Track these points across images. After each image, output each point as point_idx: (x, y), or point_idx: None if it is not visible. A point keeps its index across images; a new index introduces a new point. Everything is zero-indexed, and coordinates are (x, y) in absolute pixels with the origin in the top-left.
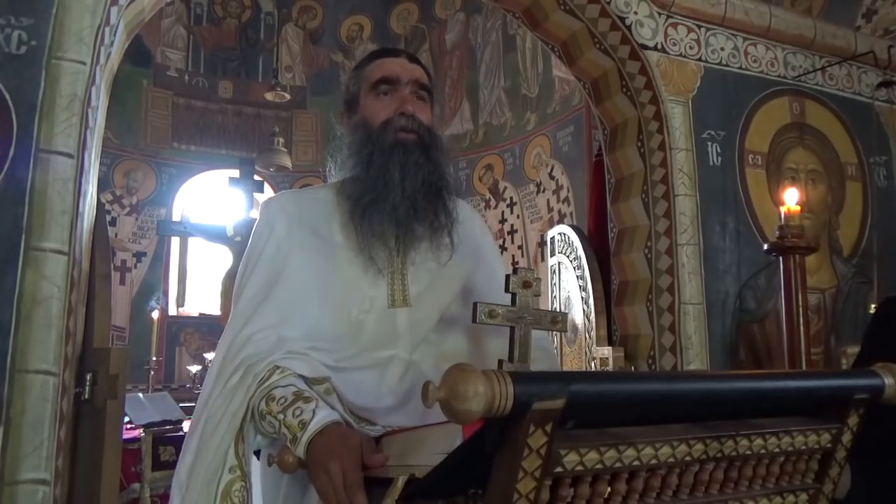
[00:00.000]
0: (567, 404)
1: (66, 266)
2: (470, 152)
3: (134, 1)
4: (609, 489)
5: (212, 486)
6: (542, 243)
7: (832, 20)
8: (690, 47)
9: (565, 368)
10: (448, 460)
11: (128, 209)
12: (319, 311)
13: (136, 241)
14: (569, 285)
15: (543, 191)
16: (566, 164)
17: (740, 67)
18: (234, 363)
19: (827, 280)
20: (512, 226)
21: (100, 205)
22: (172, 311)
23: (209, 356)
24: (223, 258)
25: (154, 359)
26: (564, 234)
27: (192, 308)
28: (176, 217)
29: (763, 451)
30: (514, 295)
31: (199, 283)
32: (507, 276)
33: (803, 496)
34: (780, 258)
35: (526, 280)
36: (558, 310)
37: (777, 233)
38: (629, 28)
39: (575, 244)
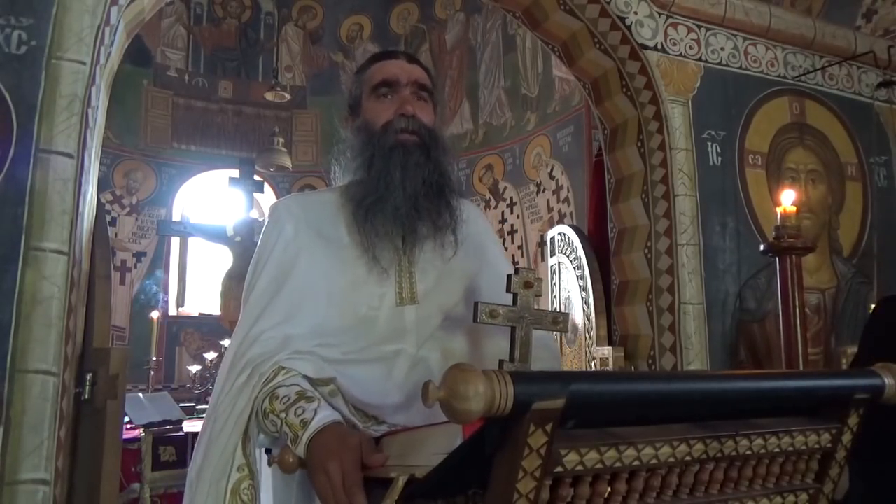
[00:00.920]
0: (567, 404)
1: (66, 266)
2: (470, 152)
3: (134, 1)
4: (609, 489)
5: (220, 484)
6: (542, 243)
7: (832, 20)
8: (690, 47)
9: (565, 368)
10: (448, 460)
11: (128, 209)
12: (327, 308)
13: (136, 241)
14: (569, 285)
15: (543, 191)
16: (566, 164)
17: (740, 67)
18: (241, 363)
19: (827, 280)
20: (512, 226)
21: (100, 205)
22: (172, 311)
23: (209, 356)
24: (223, 258)
25: (154, 359)
26: (564, 234)
27: (192, 308)
28: (176, 217)
29: (763, 451)
30: (515, 295)
31: (199, 283)
32: (509, 276)
33: (803, 496)
34: (777, 259)
35: (527, 280)
36: (558, 310)
37: (773, 233)
38: (629, 28)
39: (575, 244)
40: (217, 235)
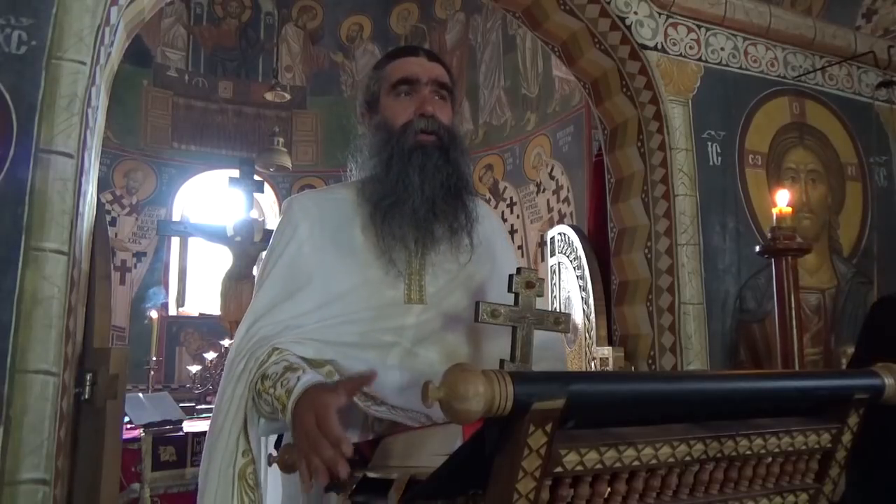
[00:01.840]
0: (567, 404)
1: (66, 266)
2: (470, 152)
3: (134, 1)
4: (609, 489)
5: (229, 471)
6: (542, 243)
7: (832, 20)
8: (690, 47)
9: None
10: (449, 462)
11: (128, 209)
12: (336, 304)
13: (136, 241)
14: (569, 285)
15: (543, 191)
16: (566, 164)
17: (740, 67)
18: (241, 354)
19: (827, 280)
20: (512, 226)
21: (100, 205)
22: (172, 311)
23: (209, 356)
24: (223, 258)
25: (154, 359)
26: (564, 234)
27: (192, 308)
28: (176, 217)
29: (763, 451)
30: (516, 295)
31: (199, 283)
32: (511, 276)
33: (803, 496)
34: (773, 260)
35: (529, 280)
36: (558, 310)
37: (769, 235)
38: (629, 28)
39: (575, 244)
40: (217, 235)
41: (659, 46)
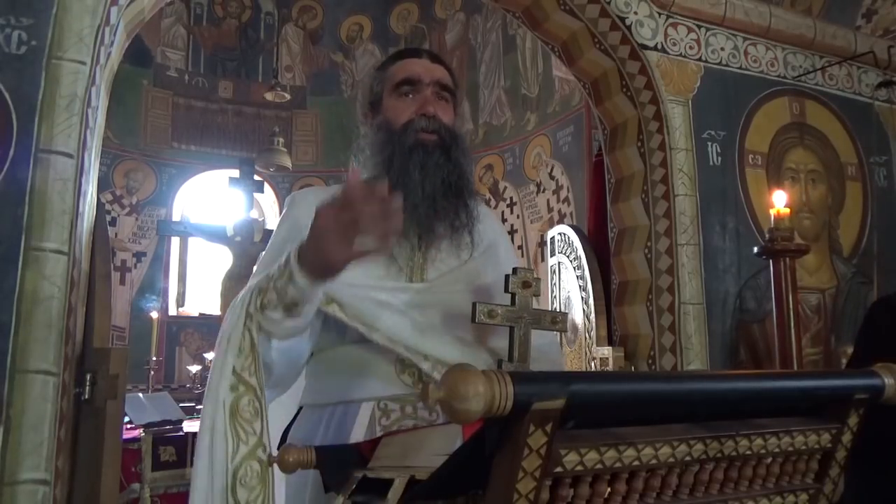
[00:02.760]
0: (567, 404)
1: (66, 266)
2: (471, 152)
3: (134, 1)
4: (609, 489)
5: (218, 407)
6: (542, 243)
7: (832, 20)
8: (690, 47)
9: (565, 368)
10: (448, 462)
11: (128, 209)
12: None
13: (136, 241)
14: (569, 285)
15: (543, 191)
16: (566, 164)
17: (740, 67)
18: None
19: (827, 280)
20: (512, 226)
21: (100, 205)
22: (172, 311)
23: (209, 356)
24: (223, 258)
25: (154, 359)
26: (564, 234)
27: (192, 308)
28: (176, 217)
29: (763, 451)
30: (513, 295)
31: (199, 283)
32: (507, 276)
33: (803, 496)
34: (771, 261)
35: (525, 280)
36: (558, 310)
37: (767, 235)
38: (629, 28)
39: (575, 244)
40: (217, 235)
41: (659, 46)
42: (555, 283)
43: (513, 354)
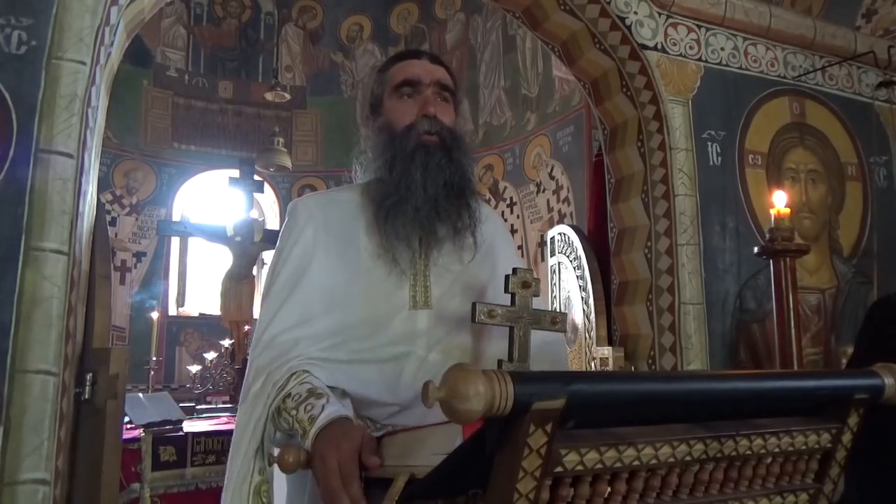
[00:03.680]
0: (567, 404)
1: (66, 266)
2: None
3: (134, 1)
4: (609, 489)
5: (243, 487)
6: (542, 243)
7: (832, 20)
8: (690, 47)
9: (568, 365)
10: (448, 460)
11: (128, 209)
12: (342, 310)
13: (136, 241)
14: (569, 285)
15: (543, 191)
16: (566, 164)
17: (740, 67)
18: (254, 370)
19: (827, 280)
20: (512, 226)
21: (100, 205)
22: (172, 311)
23: (209, 356)
24: (223, 258)
25: (154, 359)
26: (564, 234)
27: (192, 308)
28: (176, 217)
29: (763, 451)
30: (513, 295)
31: (199, 283)
32: (507, 276)
33: (803, 496)
34: (771, 261)
35: (525, 280)
36: (558, 310)
37: (767, 235)
38: (629, 28)
39: (575, 244)
40: (217, 235)
41: (659, 46)
42: (555, 283)
43: (512, 355)
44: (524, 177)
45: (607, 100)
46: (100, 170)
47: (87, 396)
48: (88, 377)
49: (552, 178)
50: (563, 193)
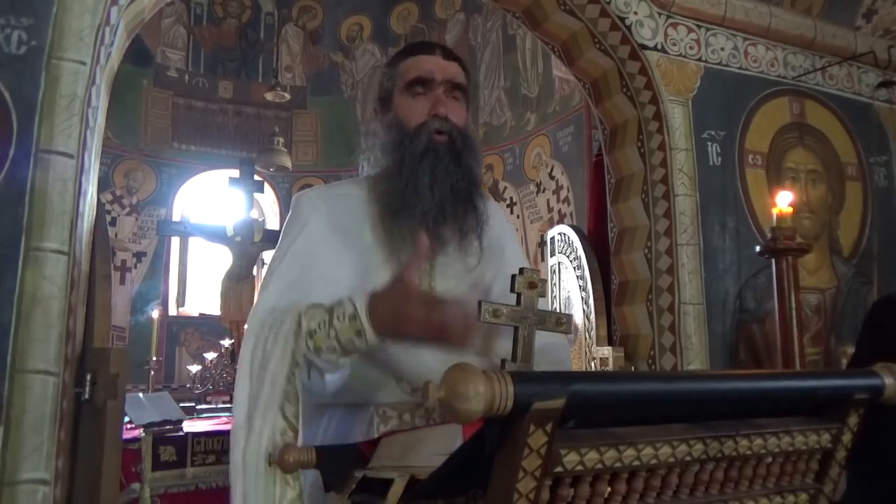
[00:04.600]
0: (567, 404)
1: (66, 266)
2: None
3: (134, 1)
4: (609, 489)
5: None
6: (542, 243)
7: (832, 20)
8: (690, 47)
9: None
10: (449, 461)
11: (128, 209)
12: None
13: (136, 241)
14: (569, 285)
15: (543, 191)
16: (566, 164)
17: (740, 67)
18: (261, 334)
19: (827, 280)
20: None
21: (100, 205)
22: (172, 311)
23: (209, 356)
24: (223, 258)
25: (154, 359)
26: (564, 234)
27: (192, 308)
28: (176, 217)
29: (763, 451)
30: (519, 295)
31: (199, 283)
32: (513, 276)
33: (803, 496)
34: (773, 260)
35: (531, 280)
36: (558, 310)
37: (769, 235)
38: (629, 28)
39: (575, 244)
40: (217, 235)
41: (659, 46)
42: (555, 283)
43: (516, 355)
44: (524, 177)
45: (607, 100)
46: (100, 170)
47: (87, 396)
48: (88, 377)
49: (552, 178)
50: (563, 193)
